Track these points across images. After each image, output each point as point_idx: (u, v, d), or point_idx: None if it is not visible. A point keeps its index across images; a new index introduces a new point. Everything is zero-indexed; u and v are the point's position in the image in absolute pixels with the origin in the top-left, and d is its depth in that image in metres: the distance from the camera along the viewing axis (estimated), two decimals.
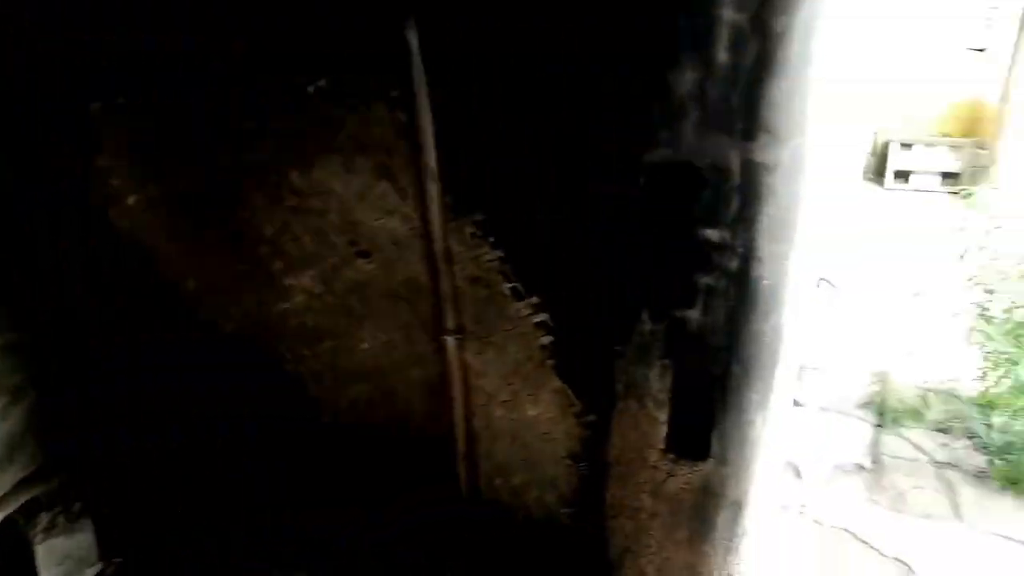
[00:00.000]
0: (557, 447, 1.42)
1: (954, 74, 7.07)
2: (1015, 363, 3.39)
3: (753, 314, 1.16)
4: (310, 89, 1.40)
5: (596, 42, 1.11)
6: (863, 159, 7.24)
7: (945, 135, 7.16)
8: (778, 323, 1.20)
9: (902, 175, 7.22)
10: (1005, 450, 3.49)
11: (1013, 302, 3.55)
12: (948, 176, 6.92)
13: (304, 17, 1.32)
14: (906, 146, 7.20)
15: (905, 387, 4.03)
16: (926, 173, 7.10)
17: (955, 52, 7.03)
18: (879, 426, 3.77)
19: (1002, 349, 3.56)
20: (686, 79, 1.06)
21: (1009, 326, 3.54)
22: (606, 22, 1.08)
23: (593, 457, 1.37)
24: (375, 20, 1.26)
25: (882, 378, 4.06)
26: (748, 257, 1.12)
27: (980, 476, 3.45)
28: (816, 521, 3.10)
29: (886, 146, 7.23)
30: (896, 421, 3.80)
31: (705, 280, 1.14)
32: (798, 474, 3.38)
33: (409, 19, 1.23)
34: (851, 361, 4.32)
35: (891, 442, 3.67)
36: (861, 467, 3.48)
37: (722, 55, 1.02)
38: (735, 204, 1.08)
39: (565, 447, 1.40)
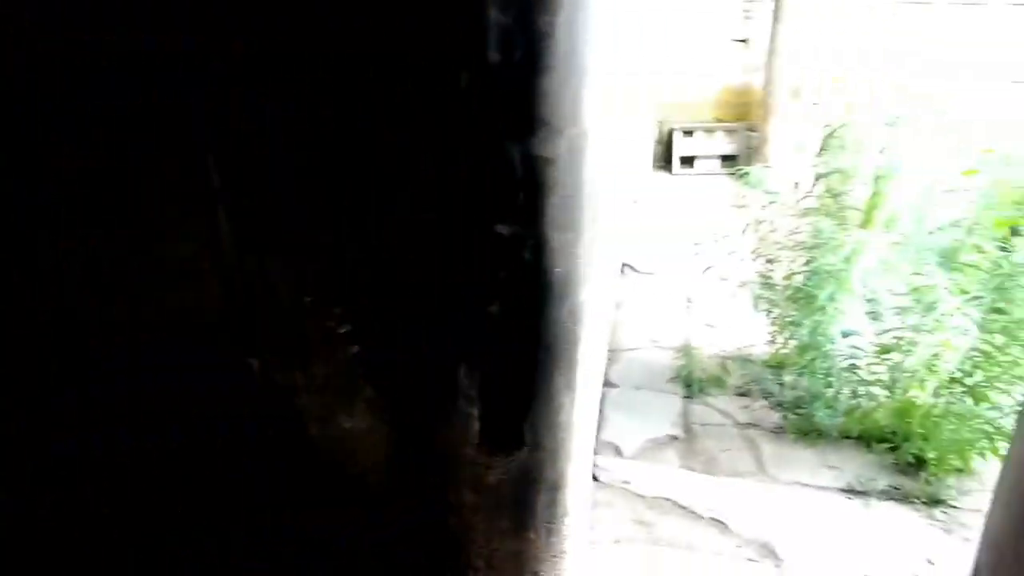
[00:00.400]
0: (377, 455, 1.41)
1: (723, 64, 7.66)
2: (797, 325, 3.71)
3: (550, 302, 1.20)
4: None
5: (368, 45, 1.11)
6: (652, 148, 7.68)
7: (721, 121, 7.75)
8: (575, 308, 1.25)
9: (687, 160, 7.74)
10: (797, 404, 3.81)
11: (791, 270, 3.87)
12: (727, 158, 7.51)
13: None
14: (688, 133, 7.73)
15: (707, 358, 4.32)
16: (708, 157, 7.67)
17: (721, 43, 7.61)
18: (687, 397, 4.01)
19: (785, 313, 3.88)
20: (461, 80, 1.08)
21: (790, 292, 3.86)
22: (378, 28, 1.08)
23: (413, 461, 1.37)
24: None
25: (686, 352, 4.33)
26: (539, 247, 1.16)
27: (777, 432, 3.76)
28: (638, 494, 3.26)
29: (670, 134, 7.73)
30: (702, 391, 4.06)
31: (501, 273, 1.17)
32: (618, 452, 3.54)
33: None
34: (658, 339, 4.58)
35: (699, 411, 3.92)
36: (674, 437, 3.69)
37: (493, 55, 1.06)
38: (521, 197, 1.12)
39: (384, 453, 1.39)
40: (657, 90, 7.34)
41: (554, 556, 1.37)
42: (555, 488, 1.35)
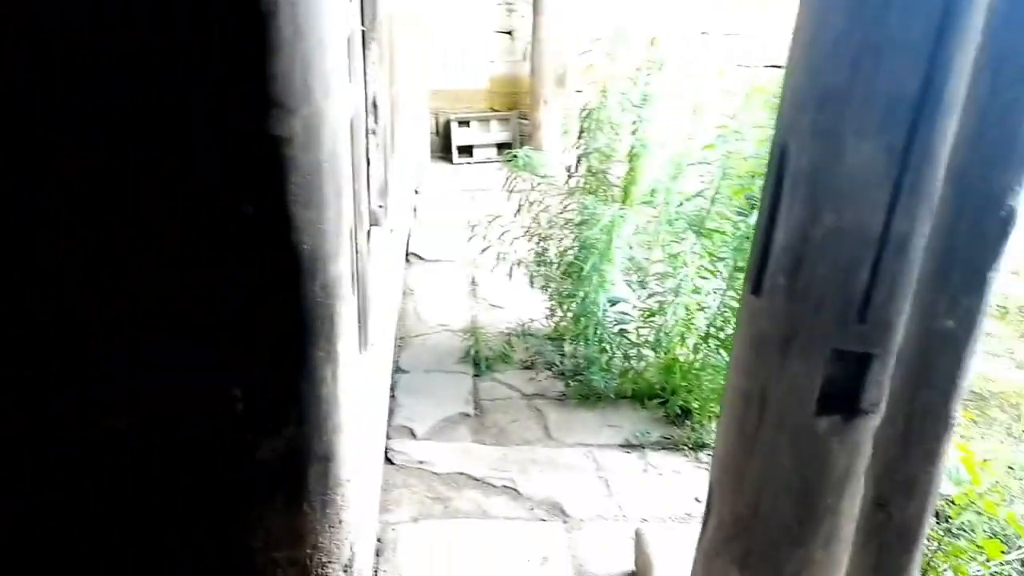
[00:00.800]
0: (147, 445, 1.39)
1: (493, 55, 7.93)
2: (571, 297, 3.96)
3: (301, 277, 1.25)
4: None
5: (93, 24, 1.09)
6: (429, 139, 7.81)
7: (495, 111, 8.02)
8: (327, 282, 1.30)
9: (466, 150, 7.94)
10: (576, 372, 4.06)
11: (562, 246, 4.12)
12: (504, 146, 7.78)
13: None
14: (464, 123, 7.93)
15: (493, 337, 4.49)
16: (485, 146, 7.91)
17: (488, 36, 7.87)
18: (476, 376, 4.16)
19: (560, 288, 4.13)
20: (188, 62, 1.10)
21: (563, 267, 4.11)
22: (103, 9, 1.08)
23: (181, 449, 1.37)
24: None
25: (473, 333, 4.47)
26: (285, 225, 1.20)
27: (561, 399, 3.99)
28: (433, 472, 3.35)
29: (447, 125, 7.90)
30: (490, 368, 4.22)
31: (251, 252, 1.19)
32: (412, 434, 3.62)
33: None
34: (446, 324, 4.70)
35: (488, 387, 4.07)
36: (466, 415, 3.82)
37: (219, 36, 1.08)
38: (262, 177, 1.16)
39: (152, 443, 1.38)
40: (431, 81, 7.49)
41: (332, 527, 1.42)
42: (326, 460, 1.39)
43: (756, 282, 1.32)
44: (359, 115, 2.55)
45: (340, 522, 1.43)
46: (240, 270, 1.20)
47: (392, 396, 3.89)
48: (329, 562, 1.44)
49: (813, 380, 1.26)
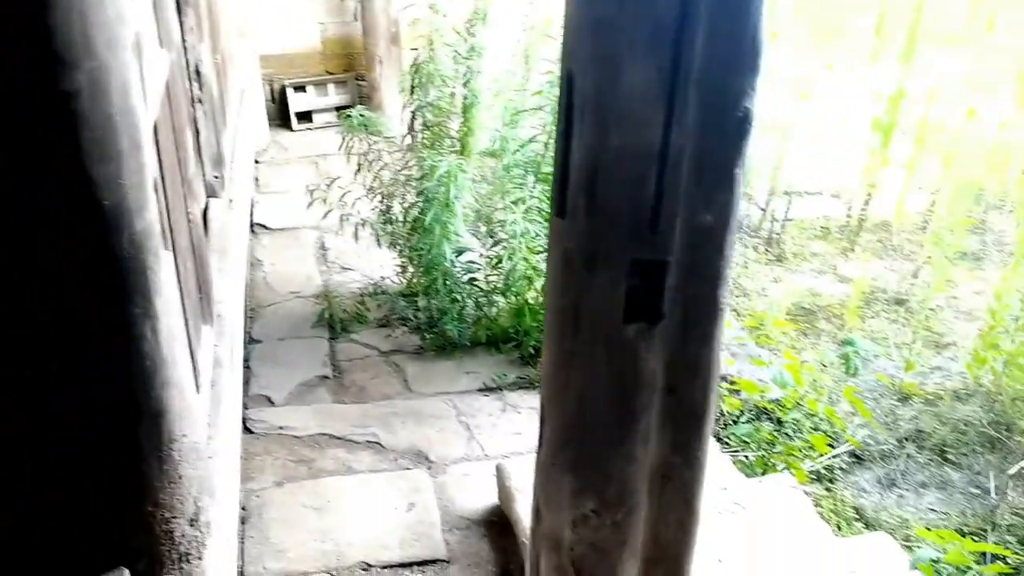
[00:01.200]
0: None
1: (324, 17, 7.74)
2: (418, 251, 4.01)
3: (105, 234, 1.24)
4: None
5: None
6: (267, 107, 7.58)
7: (331, 73, 7.86)
8: (135, 237, 1.27)
9: (305, 116, 7.75)
10: (431, 324, 4.14)
11: (406, 202, 4.14)
12: (342, 109, 7.63)
13: None
14: (300, 88, 7.73)
15: (346, 299, 4.49)
16: (324, 110, 7.75)
17: None
18: (333, 339, 4.16)
19: (408, 244, 4.16)
20: None
21: (409, 224, 4.14)
22: None
23: (14, 422, 1.35)
24: None
25: (325, 297, 4.46)
26: (83, 181, 1.19)
27: (419, 352, 4.06)
28: (295, 436, 3.36)
29: (283, 91, 7.68)
30: (346, 330, 4.23)
31: (47, 212, 1.18)
32: (270, 402, 3.61)
33: None
34: (298, 291, 4.65)
35: (345, 348, 4.09)
36: (324, 377, 3.83)
37: None
38: (52, 132, 1.15)
39: None
40: (260, 47, 7.26)
41: (171, 483, 1.44)
42: (157, 415, 1.40)
43: (560, 204, 1.41)
44: (175, 81, 2.48)
45: (180, 477, 1.45)
46: (42, 229, 1.19)
47: (247, 367, 3.85)
48: (173, 517, 1.46)
49: (618, 292, 1.37)
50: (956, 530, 3.49)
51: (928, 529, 3.18)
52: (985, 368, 4.30)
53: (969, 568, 2.96)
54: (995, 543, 3.37)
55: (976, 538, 3.40)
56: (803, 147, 7.26)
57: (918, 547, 2.94)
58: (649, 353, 1.40)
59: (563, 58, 1.32)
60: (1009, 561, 3.28)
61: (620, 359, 1.42)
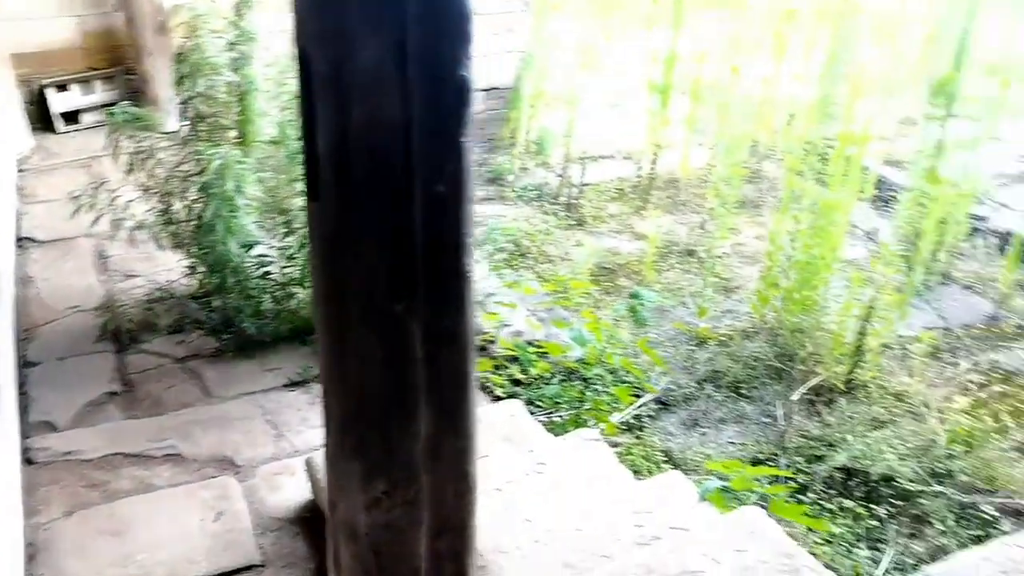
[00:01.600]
0: None
1: (80, 8, 7.13)
2: (204, 250, 3.79)
3: None
4: None
5: None
6: (25, 109, 6.93)
7: (95, 69, 7.26)
8: None
9: (71, 117, 7.14)
10: (228, 325, 3.94)
11: (187, 199, 3.89)
12: (112, 106, 7.09)
13: None
14: (62, 88, 7.10)
15: (132, 308, 4.19)
16: (93, 109, 7.16)
17: None
18: (120, 352, 3.88)
19: (193, 243, 3.92)
20: None
21: (191, 222, 3.90)
22: None
23: None
24: None
25: (108, 308, 4.14)
26: None
27: (217, 355, 3.87)
28: (84, 460, 3.11)
29: (42, 91, 7.03)
30: (134, 340, 3.96)
31: None
32: (53, 427, 3.32)
33: None
34: (77, 305, 4.29)
35: (135, 360, 3.83)
36: (113, 393, 3.57)
37: None
38: None
39: None
40: (7, 44, 6.60)
41: None
42: None
43: (313, 188, 1.36)
44: None
45: None
46: None
47: (23, 393, 3.52)
48: None
49: (380, 269, 1.34)
50: (752, 458, 3.77)
51: (720, 463, 3.40)
52: (768, 307, 4.64)
53: (753, 492, 3.20)
54: (786, 466, 3.67)
55: (770, 463, 3.68)
56: (593, 113, 7.54)
57: (707, 479, 3.13)
58: (419, 327, 1.38)
59: (295, 35, 1.26)
60: (800, 480, 3.57)
61: (393, 337, 1.39)
